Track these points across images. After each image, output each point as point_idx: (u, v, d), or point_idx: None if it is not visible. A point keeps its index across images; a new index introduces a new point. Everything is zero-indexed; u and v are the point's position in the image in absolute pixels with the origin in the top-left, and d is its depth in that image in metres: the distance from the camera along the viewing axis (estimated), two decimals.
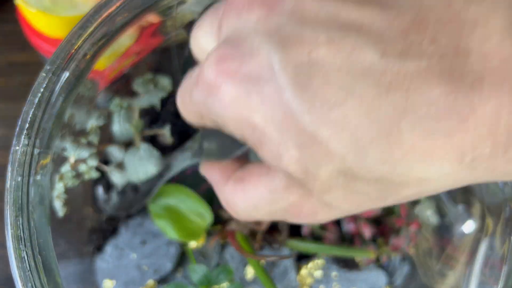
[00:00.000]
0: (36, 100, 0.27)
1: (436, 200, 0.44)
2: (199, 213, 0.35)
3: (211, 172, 0.26)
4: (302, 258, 0.42)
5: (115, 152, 0.37)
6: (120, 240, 0.40)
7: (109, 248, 0.40)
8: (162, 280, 0.39)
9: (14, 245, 0.25)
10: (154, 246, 0.39)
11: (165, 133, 0.38)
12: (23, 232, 0.26)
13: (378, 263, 0.42)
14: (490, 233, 0.35)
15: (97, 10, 0.29)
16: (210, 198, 0.35)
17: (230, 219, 0.38)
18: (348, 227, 0.40)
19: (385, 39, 0.17)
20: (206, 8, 0.31)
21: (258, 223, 0.37)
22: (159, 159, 0.35)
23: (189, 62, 0.33)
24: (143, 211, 0.41)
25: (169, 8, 0.32)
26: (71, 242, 0.39)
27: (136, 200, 0.35)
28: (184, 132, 0.44)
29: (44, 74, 0.28)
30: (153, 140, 0.44)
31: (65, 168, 0.33)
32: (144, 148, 0.35)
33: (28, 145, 0.27)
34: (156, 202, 0.35)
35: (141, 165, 0.35)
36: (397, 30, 0.17)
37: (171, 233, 0.34)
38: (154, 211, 0.34)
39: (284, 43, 0.18)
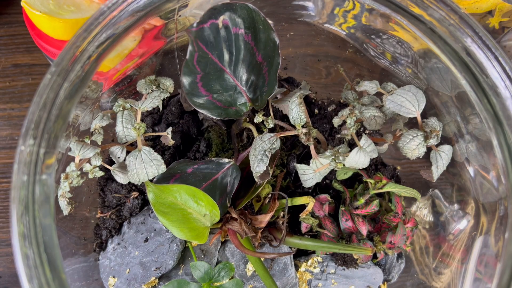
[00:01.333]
0: (42, 101, 0.28)
1: (432, 199, 0.44)
2: (205, 214, 0.35)
3: None
4: (301, 256, 0.43)
5: (117, 153, 0.37)
6: (123, 238, 0.40)
7: (112, 246, 0.40)
8: (164, 277, 0.39)
9: (19, 243, 0.26)
10: (157, 243, 0.39)
11: (167, 135, 0.38)
12: (28, 230, 0.26)
13: (375, 260, 0.42)
14: (485, 231, 0.36)
15: (101, 13, 0.29)
16: (212, 196, 0.35)
17: (231, 216, 0.38)
18: (346, 225, 0.40)
19: None
20: (207, 11, 0.32)
21: (258, 221, 0.38)
22: (160, 162, 0.35)
23: (189, 64, 0.34)
24: (146, 209, 0.42)
25: (171, 11, 0.32)
26: (76, 239, 0.40)
27: None
28: (186, 134, 0.45)
29: (49, 76, 0.28)
30: (155, 141, 0.44)
31: (70, 168, 0.33)
32: (145, 151, 0.35)
33: (33, 145, 0.27)
34: (162, 200, 0.35)
35: (142, 168, 0.35)
36: None
37: (178, 234, 0.35)
38: (159, 209, 0.35)
39: None
